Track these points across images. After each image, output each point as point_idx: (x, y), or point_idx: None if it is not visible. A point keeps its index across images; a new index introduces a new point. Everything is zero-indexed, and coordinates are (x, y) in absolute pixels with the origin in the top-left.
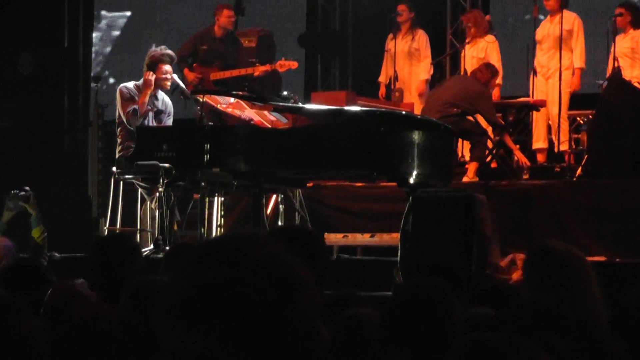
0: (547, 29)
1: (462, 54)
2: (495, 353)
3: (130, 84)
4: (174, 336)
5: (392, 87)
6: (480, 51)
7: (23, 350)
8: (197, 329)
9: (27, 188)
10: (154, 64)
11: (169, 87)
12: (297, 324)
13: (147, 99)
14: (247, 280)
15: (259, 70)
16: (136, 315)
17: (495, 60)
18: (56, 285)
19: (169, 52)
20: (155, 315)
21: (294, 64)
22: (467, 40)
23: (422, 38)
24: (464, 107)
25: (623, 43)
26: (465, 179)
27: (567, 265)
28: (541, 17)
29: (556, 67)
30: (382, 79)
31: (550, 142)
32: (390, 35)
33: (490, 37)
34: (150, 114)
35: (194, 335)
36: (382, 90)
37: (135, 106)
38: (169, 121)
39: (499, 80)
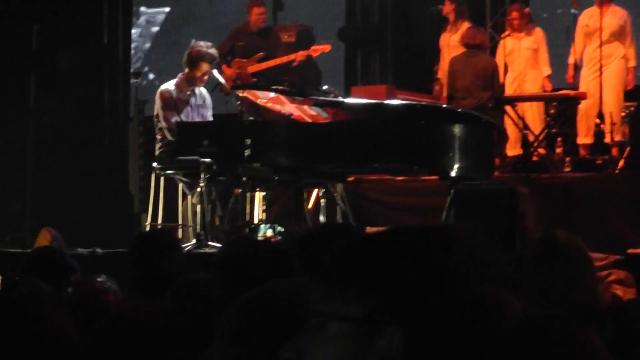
0: (596, 21)
1: (502, 46)
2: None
3: (171, 85)
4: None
5: (434, 80)
6: (534, 42)
7: (54, 341)
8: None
9: None
10: (195, 61)
11: (202, 85)
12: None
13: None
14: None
15: (293, 57)
16: (179, 312)
17: (545, 50)
18: (78, 280)
19: (212, 51)
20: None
21: (326, 47)
22: (506, 33)
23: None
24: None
25: None
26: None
27: (568, 256)
28: (572, 11)
29: (611, 58)
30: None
31: (596, 135)
32: (444, 28)
33: (539, 30)
34: (189, 109)
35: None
36: None
37: (178, 118)
38: (209, 113)
39: (549, 71)
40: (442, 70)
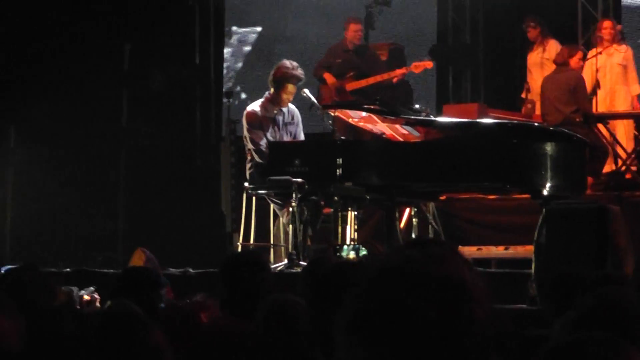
0: None
1: (592, 62)
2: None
3: (256, 106)
4: (349, 350)
5: (525, 98)
6: (623, 59)
7: None
8: (370, 343)
9: None
10: (281, 82)
11: (286, 106)
12: (468, 339)
13: None
14: (420, 297)
15: (394, 74)
16: (271, 333)
17: (633, 69)
18: (170, 302)
19: (299, 73)
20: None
21: (429, 64)
22: (599, 50)
23: (553, 47)
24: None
25: None
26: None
27: None
28: None
29: None
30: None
31: None
32: (530, 48)
33: (628, 47)
34: (276, 128)
35: (368, 351)
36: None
37: (264, 138)
38: (299, 129)
39: (638, 90)
40: (533, 89)
